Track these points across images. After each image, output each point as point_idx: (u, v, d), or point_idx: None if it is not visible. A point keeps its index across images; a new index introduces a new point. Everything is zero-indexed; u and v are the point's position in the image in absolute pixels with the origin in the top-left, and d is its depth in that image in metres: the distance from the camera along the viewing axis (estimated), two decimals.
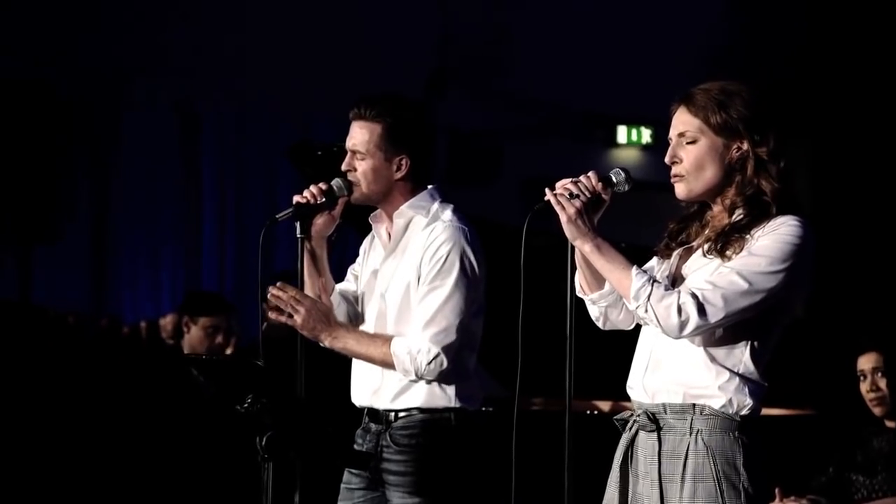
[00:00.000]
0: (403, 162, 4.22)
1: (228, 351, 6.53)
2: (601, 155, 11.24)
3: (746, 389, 3.46)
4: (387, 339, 4.16)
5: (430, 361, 4.09)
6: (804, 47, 10.74)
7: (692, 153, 3.51)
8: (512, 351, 4.08)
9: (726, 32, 10.97)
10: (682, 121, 3.53)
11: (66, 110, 11.37)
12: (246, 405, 3.76)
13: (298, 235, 4.26)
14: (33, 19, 10.70)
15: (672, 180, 3.54)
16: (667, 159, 3.55)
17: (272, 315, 4.20)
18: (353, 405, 4.32)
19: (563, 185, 3.52)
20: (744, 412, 3.45)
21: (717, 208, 3.54)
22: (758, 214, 3.45)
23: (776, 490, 5.00)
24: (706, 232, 3.53)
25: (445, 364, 4.09)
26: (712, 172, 3.50)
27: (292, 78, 10.96)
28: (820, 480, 5.25)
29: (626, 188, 3.57)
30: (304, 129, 11.49)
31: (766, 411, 5.56)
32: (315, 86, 10.64)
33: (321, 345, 4.21)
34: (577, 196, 3.49)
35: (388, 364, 4.14)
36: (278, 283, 4.20)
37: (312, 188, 4.25)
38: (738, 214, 3.47)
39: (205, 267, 12.68)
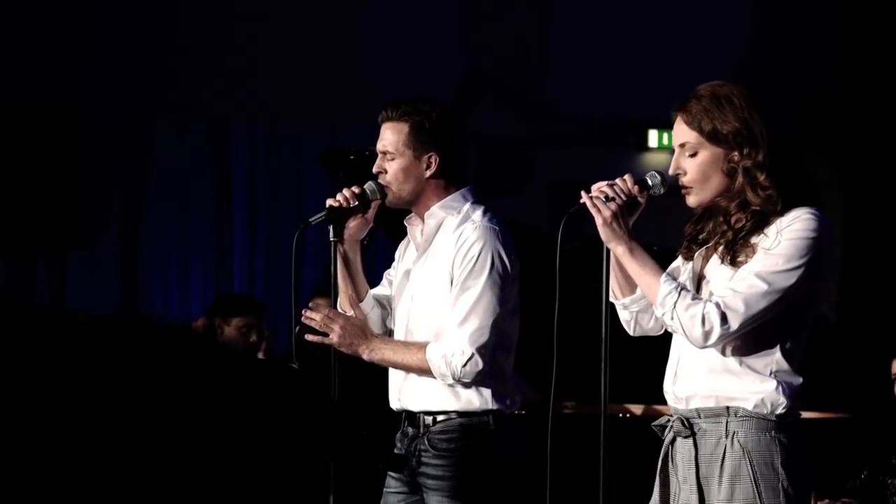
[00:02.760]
0: (433, 159, 4.23)
1: (261, 353, 6.56)
2: (632, 159, 11.21)
3: (780, 388, 3.45)
4: (421, 346, 4.16)
5: (466, 363, 4.08)
6: (838, 57, 10.70)
7: (694, 165, 3.52)
8: (543, 355, 4.09)
9: (759, 39, 10.94)
10: (681, 132, 3.54)
11: (98, 122, 11.44)
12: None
13: (331, 239, 4.27)
14: (66, 34, 10.76)
15: (682, 191, 3.55)
16: (671, 171, 3.57)
17: (308, 337, 4.20)
18: (391, 408, 4.33)
19: (599, 187, 3.53)
20: (779, 411, 3.45)
21: (723, 210, 3.53)
22: (756, 220, 3.45)
23: (812, 493, 5.00)
24: (720, 230, 3.52)
25: (481, 365, 4.09)
26: (717, 180, 3.51)
27: (322, 87, 10.97)
28: (854, 483, 5.24)
29: (662, 191, 3.57)
30: (333, 138, 11.49)
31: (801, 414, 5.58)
32: (344, 95, 10.64)
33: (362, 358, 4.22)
34: (613, 199, 3.49)
35: (424, 371, 4.14)
36: (310, 304, 4.23)
37: (345, 191, 4.27)
38: (737, 221, 3.48)
39: (235, 273, 12.69)
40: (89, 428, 6.04)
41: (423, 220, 4.29)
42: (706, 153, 3.50)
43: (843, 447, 5.58)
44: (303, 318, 4.20)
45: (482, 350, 4.09)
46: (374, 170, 4.27)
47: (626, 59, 10.67)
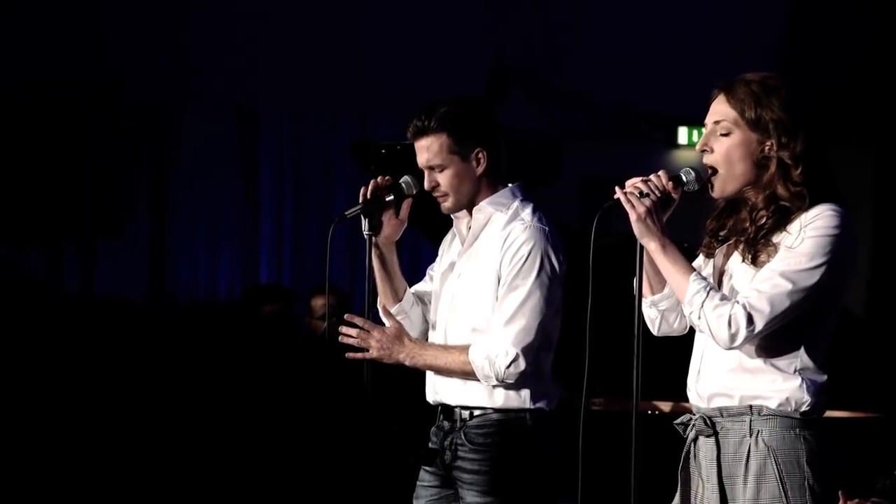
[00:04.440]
0: (481, 155, 4.19)
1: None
2: (661, 156, 11.21)
3: (804, 386, 3.43)
4: (463, 349, 4.14)
5: (510, 364, 4.06)
6: (868, 52, 10.66)
7: (724, 145, 3.49)
8: (573, 351, 4.08)
9: (789, 36, 10.91)
10: (720, 110, 3.51)
11: (129, 111, 11.47)
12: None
13: (366, 233, 4.25)
14: (98, 23, 10.79)
15: (707, 174, 3.51)
16: (698, 147, 3.54)
17: (349, 355, 4.17)
18: (427, 402, 4.32)
19: (634, 183, 3.50)
20: (804, 409, 3.43)
21: (748, 204, 3.51)
22: (779, 217, 3.43)
23: (840, 493, 4.97)
24: (742, 227, 3.50)
25: (524, 366, 4.07)
26: (743, 168, 3.48)
27: (350, 77, 10.97)
28: (884, 483, 5.21)
29: (696, 188, 3.54)
30: (362, 128, 11.50)
31: (830, 413, 5.55)
32: (373, 85, 10.65)
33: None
34: (648, 195, 3.47)
35: (468, 373, 4.12)
36: (345, 317, 4.19)
37: (378, 179, 4.25)
38: (760, 217, 3.45)
39: (262, 263, 12.73)
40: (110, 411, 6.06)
41: (470, 213, 4.25)
42: (739, 135, 3.48)
43: (873, 447, 5.56)
44: (339, 338, 4.18)
45: (526, 351, 4.08)
46: (427, 187, 4.21)
47: (655, 56, 10.65)
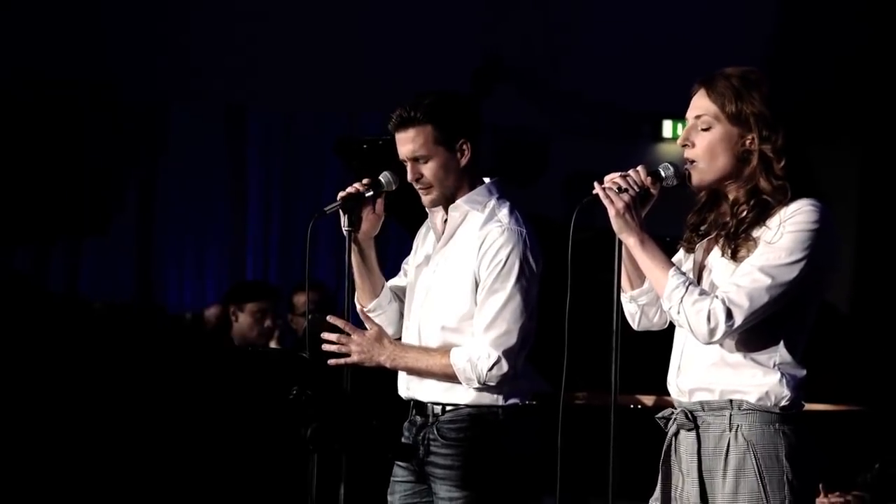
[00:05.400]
0: (465, 147, 4.18)
1: (273, 341, 6.56)
2: (646, 150, 11.21)
3: (784, 380, 3.44)
4: (445, 352, 4.13)
5: (492, 367, 4.07)
6: (856, 51, 10.66)
7: (705, 139, 3.49)
8: (555, 346, 4.08)
9: (776, 31, 10.91)
10: (700, 104, 3.52)
11: (116, 109, 11.46)
12: (291, 397, 3.78)
13: (346, 229, 4.26)
14: (82, 20, 10.77)
15: (686, 166, 3.52)
16: (679, 141, 3.55)
17: (331, 362, 4.17)
18: (399, 397, 4.33)
19: (612, 178, 3.51)
20: (783, 403, 3.43)
21: (728, 198, 3.52)
22: (760, 210, 3.44)
23: (820, 486, 4.98)
24: (723, 221, 3.51)
25: (506, 368, 4.08)
26: (724, 161, 3.49)
27: (338, 74, 10.96)
28: (865, 477, 5.23)
29: (675, 183, 3.54)
30: (351, 126, 11.50)
31: (812, 407, 5.57)
32: (364, 85, 10.64)
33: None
34: (626, 190, 3.48)
35: (449, 376, 4.12)
36: (329, 318, 4.19)
37: (356, 185, 4.25)
38: (741, 210, 3.46)
39: (249, 262, 12.71)
40: (93, 416, 6.06)
41: (446, 208, 4.24)
42: (720, 130, 3.49)
43: (855, 440, 5.57)
44: (323, 346, 4.18)
45: (508, 353, 4.08)
46: (410, 178, 4.19)
47: (640, 50, 10.66)
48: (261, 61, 11.15)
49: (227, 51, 11.15)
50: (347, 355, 4.16)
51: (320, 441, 3.80)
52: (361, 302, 4.40)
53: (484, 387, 4.11)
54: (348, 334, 4.17)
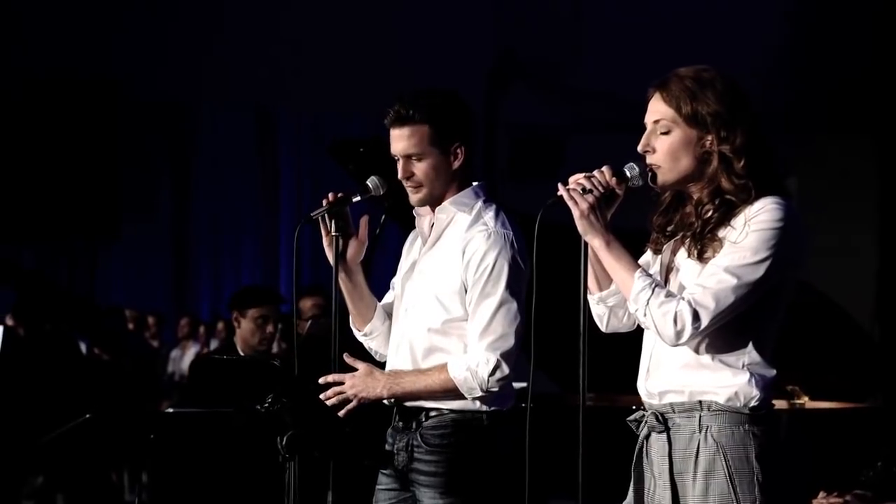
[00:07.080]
0: (459, 150, 4.16)
1: (275, 344, 6.55)
2: None
3: (752, 381, 3.41)
4: (441, 368, 4.09)
5: (493, 372, 4.03)
6: (870, 45, 10.57)
7: (665, 144, 3.47)
8: (555, 347, 4.06)
9: (791, 28, 10.83)
10: (657, 109, 3.49)
11: (148, 111, 11.55)
12: (266, 405, 3.77)
13: (333, 233, 4.26)
14: (116, 22, 10.85)
15: (648, 168, 3.49)
16: (640, 147, 3.52)
17: (341, 414, 4.12)
18: (383, 404, 4.30)
19: (577, 179, 3.48)
20: (752, 404, 3.40)
21: (693, 199, 3.49)
22: (725, 210, 3.40)
23: (821, 491, 4.95)
24: (688, 221, 3.48)
25: (506, 371, 4.04)
26: (685, 164, 3.46)
27: (364, 76, 11.00)
28: (868, 475, 5.18)
29: (640, 183, 3.50)
30: (377, 127, 11.53)
31: (815, 405, 5.53)
32: (390, 85, 10.66)
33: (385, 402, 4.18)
34: (591, 191, 3.45)
35: (450, 391, 4.08)
36: (320, 380, 4.16)
37: (330, 195, 4.25)
38: (706, 211, 3.43)
39: (283, 264, 12.78)
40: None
41: (433, 211, 4.22)
42: (679, 133, 3.46)
43: (857, 438, 5.53)
44: (326, 401, 4.14)
45: (507, 356, 4.05)
46: (401, 176, 4.17)
47: (655, 44, 10.61)
48: (288, 64, 11.21)
49: (255, 54, 11.23)
50: (349, 401, 4.13)
51: (296, 449, 3.79)
52: (356, 326, 4.40)
53: (487, 394, 4.06)
54: (341, 383, 4.15)
